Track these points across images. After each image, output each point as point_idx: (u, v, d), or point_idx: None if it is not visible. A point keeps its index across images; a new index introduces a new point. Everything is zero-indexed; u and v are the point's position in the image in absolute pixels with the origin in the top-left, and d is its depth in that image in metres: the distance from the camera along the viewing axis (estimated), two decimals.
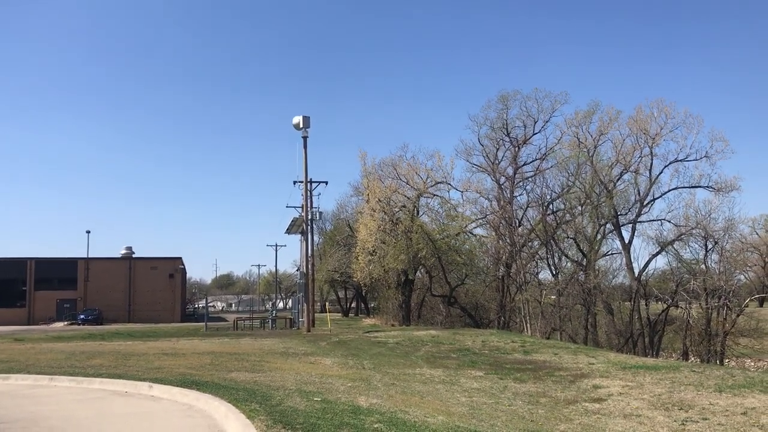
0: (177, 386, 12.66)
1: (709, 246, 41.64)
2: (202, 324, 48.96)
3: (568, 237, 46.51)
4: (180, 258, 75.50)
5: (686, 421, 11.68)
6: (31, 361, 19.32)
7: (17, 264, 69.50)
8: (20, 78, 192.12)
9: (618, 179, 46.10)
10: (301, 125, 37.75)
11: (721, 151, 42.78)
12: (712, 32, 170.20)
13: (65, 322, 63.61)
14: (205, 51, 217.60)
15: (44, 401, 12.20)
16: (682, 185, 44.24)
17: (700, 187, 43.59)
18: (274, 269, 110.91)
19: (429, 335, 31.94)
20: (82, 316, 62.99)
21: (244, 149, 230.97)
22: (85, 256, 71.91)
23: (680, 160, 44.18)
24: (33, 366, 17.67)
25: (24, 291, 69.02)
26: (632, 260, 45.27)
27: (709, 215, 41.82)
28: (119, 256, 75.74)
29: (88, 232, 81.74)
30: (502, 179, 49.74)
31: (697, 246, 42.74)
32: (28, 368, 17.10)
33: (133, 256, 75.27)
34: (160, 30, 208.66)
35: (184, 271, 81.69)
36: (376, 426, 8.79)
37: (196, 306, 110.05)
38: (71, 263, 70.84)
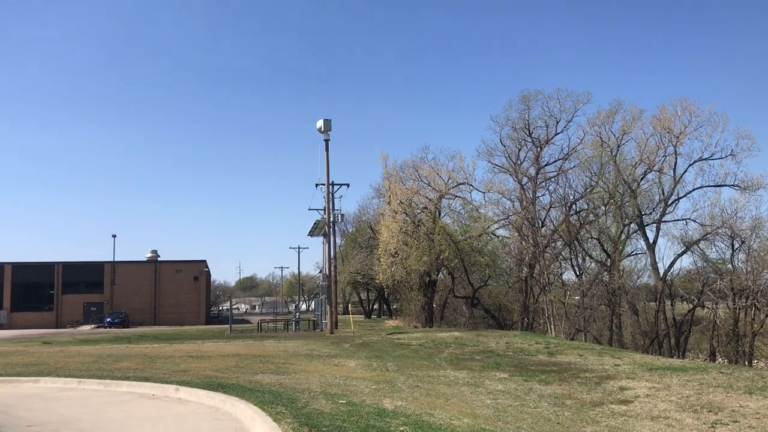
0: (203, 389, 12.79)
1: (736, 245, 41.03)
2: (227, 326, 49.30)
3: (591, 237, 46.12)
4: (204, 261, 76.12)
5: (716, 424, 11.54)
6: (60, 364, 19.62)
7: (45, 268, 70.59)
8: (46, 84, 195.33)
9: (642, 179, 45.64)
10: (323, 128, 37.99)
11: (747, 149, 42.18)
12: (736, 28, 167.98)
13: (92, 325, 64.50)
14: (228, 55, 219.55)
15: (74, 404, 12.39)
16: (707, 184, 43.68)
17: (725, 185, 42.99)
18: (296, 271, 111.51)
19: (452, 337, 31.86)
20: (108, 319, 63.80)
21: (267, 152, 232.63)
22: (111, 260, 72.83)
23: (705, 159, 43.62)
24: (62, 369, 17.94)
25: (52, 295, 70.09)
26: (657, 260, 44.77)
27: (736, 214, 41.21)
28: (145, 259, 76.51)
29: (114, 236, 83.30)
30: (525, 180, 49.48)
31: (723, 245, 42.14)
32: (57, 371, 17.36)
33: (159, 259, 75.97)
34: (184, 34, 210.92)
35: (208, 274, 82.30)
36: (401, 429, 8.80)
37: (221, 308, 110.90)
38: (98, 267, 71.79)
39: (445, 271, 50.69)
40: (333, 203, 43.80)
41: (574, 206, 47.04)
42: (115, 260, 73.03)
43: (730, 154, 42.56)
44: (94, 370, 17.51)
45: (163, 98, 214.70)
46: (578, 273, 46.92)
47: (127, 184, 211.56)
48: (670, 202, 44.54)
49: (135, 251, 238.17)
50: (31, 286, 70.33)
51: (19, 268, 70.18)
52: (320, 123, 38.09)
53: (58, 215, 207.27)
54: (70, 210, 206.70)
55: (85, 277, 71.75)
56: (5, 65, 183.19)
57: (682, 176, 44.40)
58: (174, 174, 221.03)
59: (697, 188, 44.07)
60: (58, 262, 71.01)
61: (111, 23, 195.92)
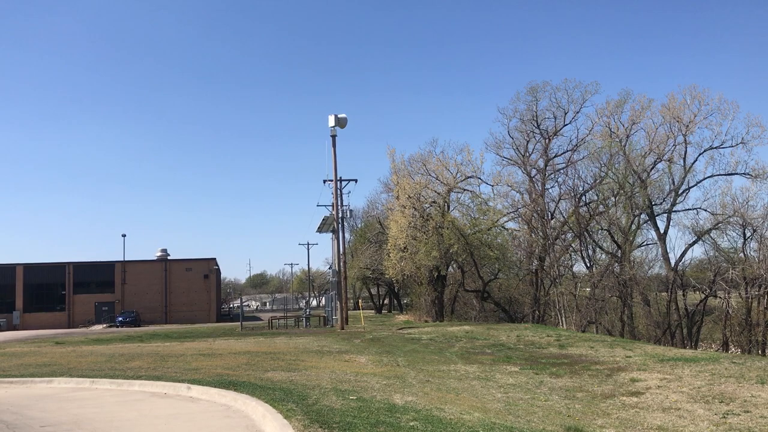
0: (215, 387, 12.83)
1: (748, 234, 40.80)
2: (238, 323, 49.47)
3: (601, 228, 45.96)
4: (214, 259, 76.33)
5: (727, 414, 11.48)
6: (73, 364, 19.74)
7: (57, 269, 70.98)
8: (52, 88, 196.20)
9: (652, 168, 45.44)
10: (332, 124, 37.90)
11: (758, 136, 41.98)
12: (747, 16, 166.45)
13: (104, 325, 64.85)
14: (232, 52, 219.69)
15: (87, 404, 12.46)
16: (717, 173, 43.45)
17: (736, 174, 42.75)
18: (306, 268, 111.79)
19: (463, 331, 31.85)
20: (120, 319, 64.14)
21: (273, 149, 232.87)
22: (122, 259, 73.18)
23: (715, 147, 43.38)
24: (75, 369, 18.05)
25: (63, 295, 70.51)
26: (668, 250, 44.63)
27: (747, 203, 40.99)
28: (155, 258, 76.80)
29: (124, 235, 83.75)
30: (533, 172, 49.39)
31: (735, 234, 41.97)
32: (70, 371, 17.47)
33: (168, 258, 76.22)
34: (186, 33, 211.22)
35: (218, 272, 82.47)
36: (412, 424, 8.80)
37: (231, 306, 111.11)
38: (108, 266, 72.14)
39: (454, 265, 50.68)
40: (341, 199, 43.83)
41: (583, 197, 46.92)
42: (126, 260, 73.40)
43: (740, 143, 42.38)
44: (106, 369, 17.60)
45: (167, 99, 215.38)
46: (589, 265, 46.79)
47: (135, 185, 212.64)
48: (680, 191, 44.35)
49: (145, 251, 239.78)
50: (43, 287, 70.76)
51: (30, 269, 70.63)
52: (333, 119, 37.88)
53: (68, 217, 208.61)
54: (80, 212, 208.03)
55: (96, 276, 72.12)
56: (11, 65, 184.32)
57: (692, 165, 44.23)
58: (181, 174, 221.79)
59: (708, 177, 43.89)
60: (69, 263, 71.37)
61: (114, 22, 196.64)
